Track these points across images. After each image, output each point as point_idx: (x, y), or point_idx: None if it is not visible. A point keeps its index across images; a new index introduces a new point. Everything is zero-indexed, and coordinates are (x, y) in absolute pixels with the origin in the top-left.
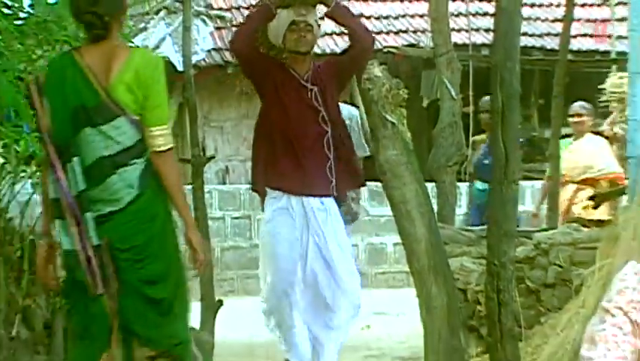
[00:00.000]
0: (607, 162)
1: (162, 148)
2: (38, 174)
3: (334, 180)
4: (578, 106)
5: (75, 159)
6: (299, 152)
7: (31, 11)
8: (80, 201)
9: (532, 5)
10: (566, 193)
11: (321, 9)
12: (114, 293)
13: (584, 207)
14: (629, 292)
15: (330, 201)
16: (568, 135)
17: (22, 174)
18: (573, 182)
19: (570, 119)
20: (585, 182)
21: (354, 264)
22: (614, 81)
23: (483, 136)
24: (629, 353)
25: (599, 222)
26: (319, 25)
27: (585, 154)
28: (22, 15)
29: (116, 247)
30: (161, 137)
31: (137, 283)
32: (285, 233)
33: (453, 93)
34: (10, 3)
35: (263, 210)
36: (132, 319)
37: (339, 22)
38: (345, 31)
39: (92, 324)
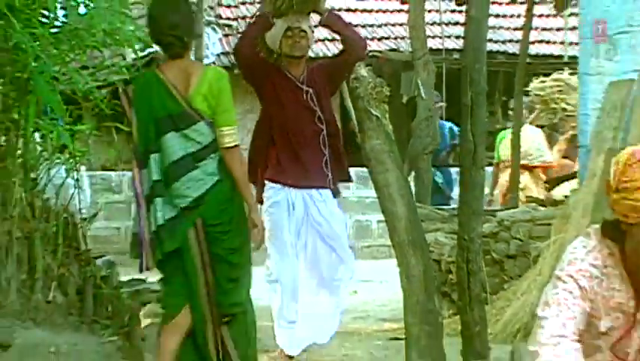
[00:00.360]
0: (541, 151)
1: (230, 145)
2: (71, 160)
3: (330, 174)
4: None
5: (153, 155)
6: (297, 149)
7: (65, 20)
8: (154, 188)
9: (497, 16)
10: (505, 176)
11: (315, 17)
12: (207, 262)
13: (522, 189)
14: (578, 263)
15: (327, 192)
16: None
17: (57, 161)
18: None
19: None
20: (523, 167)
21: (348, 244)
22: (536, 85)
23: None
24: (578, 313)
25: (555, 202)
26: (313, 32)
27: (523, 143)
28: (56, 24)
29: (208, 223)
30: (229, 135)
31: (222, 251)
32: (285, 223)
33: (423, 94)
34: (46, 13)
35: (257, 199)
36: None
37: (334, 29)
38: (338, 37)
39: (178, 285)
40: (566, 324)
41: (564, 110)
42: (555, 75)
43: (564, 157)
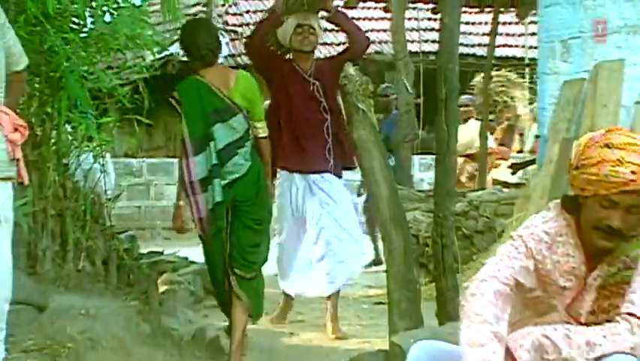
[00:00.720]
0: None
1: (262, 135)
2: (97, 148)
3: (332, 160)
4: (464, 99)
5: (211, 143)
6: (301, 136)
7: (92, 27)
8: (212, 172)
9: (467, 23)
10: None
11: (324, 15)
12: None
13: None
14: (531, 228)
15: (329, 175)
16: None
17: (85, 149)
18: (460, 156)
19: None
20: (469, 156)
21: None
22: (478, 80)
23: (380, 115)
24: (517, 266)
25: (517, 185)
26: (321, 28)
27: (467, 135)
28: (85, 29)
29: (238, 199)
30: (262, 128)
31: (249, 221)
32: (288, 207)
33: (408, 88)
34: (76, 20)
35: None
36: (239, 247)
37: (340, 26)
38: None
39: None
40: (501, 269)
41: (505, 102)
42: (497, 72)
43: (501, 144)
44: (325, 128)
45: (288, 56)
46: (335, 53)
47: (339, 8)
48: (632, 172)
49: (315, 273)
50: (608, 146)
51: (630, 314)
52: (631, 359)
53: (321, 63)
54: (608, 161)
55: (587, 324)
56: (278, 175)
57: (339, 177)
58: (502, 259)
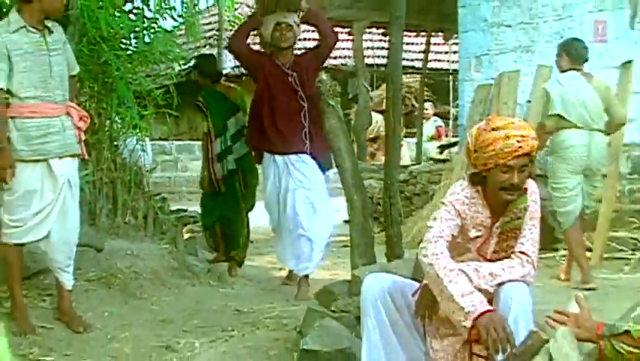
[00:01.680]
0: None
1: None
2: (139, 134)
3: (308, 142)
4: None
5: (226, 132)
6: (280, 123)
7: (136, 45)
8: (226, 150)
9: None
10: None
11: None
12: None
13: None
14: (456, 195)
15: (305, 156)
16: None
17: (130, 134)
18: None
19: None
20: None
21: (328, 198)
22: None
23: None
24: (452, 225)
25: (444, 161)
26: (299, 26)
27: None
28: (130, 47)
29: (242, 169)
30: None
31: (255, 187)
32: (269, 183)
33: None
34: (124, 41)
35: (254, 160)
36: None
37: (312, 23)
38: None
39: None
40: (444, 230)
41: (413, 105)
42: (406, 80)
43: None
44: (303, 114)
45: (270, 51)
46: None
47: (312, 8)
48: (518, 141)
49: (289, 249)
50: (494, 129)
51: (521, 253)
52: (522, 285)
53: (299, 57)
54: (499, 138)
55: (491, 260)
56: (264, 158)
57: (315, 159)
58: (442, 222)
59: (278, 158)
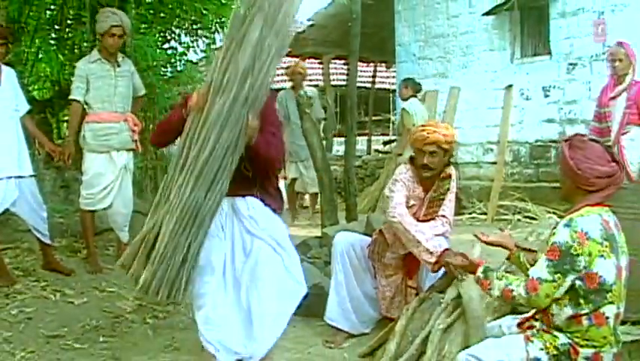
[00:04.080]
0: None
1: None
2: None
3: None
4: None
5: None
6: None
7: (171, 72)
8: None
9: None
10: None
11: None
12: None
13: None
14: (402, 174)
15: (253, 200)
16: None
17: None
18: None
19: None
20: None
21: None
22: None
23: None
24: (404, 195)
25: (386, 152)
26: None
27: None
28: (168, 73)
29: None
30: None
31: None
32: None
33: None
34: (163, 68)
35: None
36: None
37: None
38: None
39: None
40: (400, 198)
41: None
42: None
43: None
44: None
45: None
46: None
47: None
48: (428, 133)
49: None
50: (421, 126)
51: (442, 216)
52: (442, 238)
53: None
54: (419, 131)
55: (423, 221)
56: None
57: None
58: (398, 193)
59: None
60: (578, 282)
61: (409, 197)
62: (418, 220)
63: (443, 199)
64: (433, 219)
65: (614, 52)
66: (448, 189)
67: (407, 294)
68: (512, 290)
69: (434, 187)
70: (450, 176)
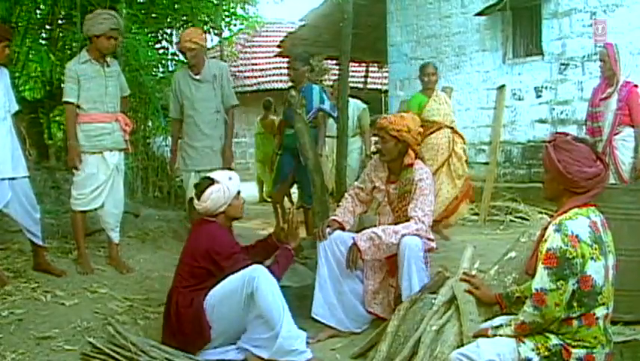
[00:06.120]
0: None
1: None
2: (164, 134)
3: None
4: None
5: None
6: None
7: (163, 72)
8: None
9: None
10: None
11: None
12: None
13: None
14: (368, 167)
15: None
16: None
17: (158, 134)
18: None
19: None
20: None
21: None
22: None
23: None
24: (367, 183)
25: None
26: None
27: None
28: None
29: None
30: None
31: None
32: None
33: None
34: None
35: None
36: None
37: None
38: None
39: None
40: (356, 189)
41: None
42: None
43: None
44: None
45: None
46: None
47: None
48: (381, 120)
49: None
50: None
51: (415, 216)
52: (415, 238)
53: None
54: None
55: (397, 222)
56: None
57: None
58: (359, 182)
59: None
60: (575, 285)
61: (372, 179)
62: (393, 216)
63: (410, 192)
64: (404, 215)
65: (600, 53)
66: (411, 180)
67: (389, 292)
68: (522, 319)
69: (400, 176)
70: (411, 165)
